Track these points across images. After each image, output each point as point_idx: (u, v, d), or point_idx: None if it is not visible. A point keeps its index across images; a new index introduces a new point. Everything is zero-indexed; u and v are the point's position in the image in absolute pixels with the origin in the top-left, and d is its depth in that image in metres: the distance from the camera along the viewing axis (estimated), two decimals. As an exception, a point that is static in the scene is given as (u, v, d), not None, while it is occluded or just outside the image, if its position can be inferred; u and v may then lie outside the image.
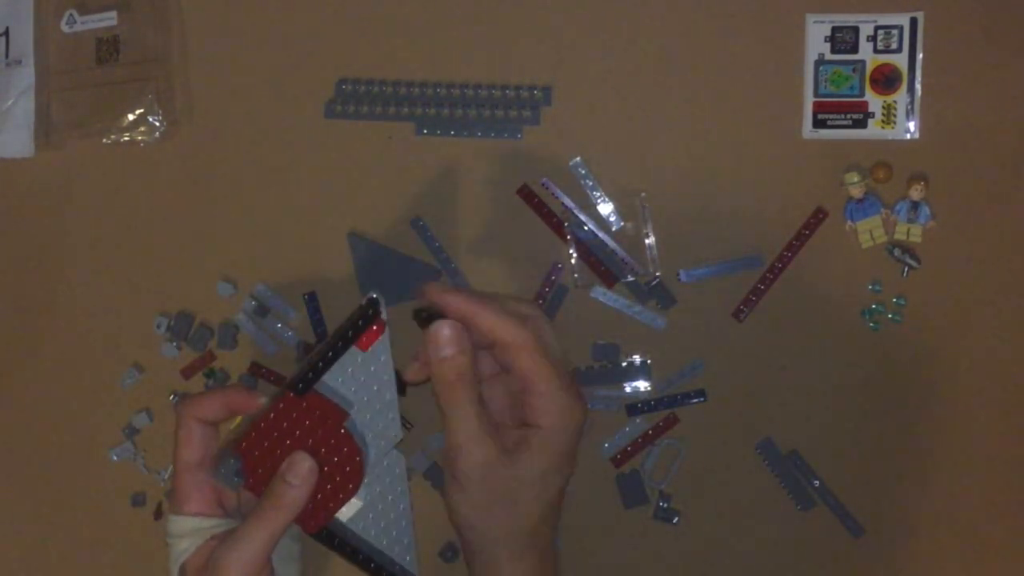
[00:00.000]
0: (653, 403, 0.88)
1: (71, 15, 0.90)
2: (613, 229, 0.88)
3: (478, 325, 0.67)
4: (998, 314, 0.86)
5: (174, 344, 0.91)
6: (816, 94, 0.87)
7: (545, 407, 0.67)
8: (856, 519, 0.88)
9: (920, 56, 0.86)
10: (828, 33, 0.86)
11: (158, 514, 0.92)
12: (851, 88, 0.86)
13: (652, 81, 0.88)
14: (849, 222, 0.86)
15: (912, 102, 0.86)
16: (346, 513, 0.71)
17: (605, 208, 0.88)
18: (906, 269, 0.86)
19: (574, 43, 0.88)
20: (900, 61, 0.86)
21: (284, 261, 0.90)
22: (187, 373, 0.91)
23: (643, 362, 0.88)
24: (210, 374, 0.91)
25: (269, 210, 0.90)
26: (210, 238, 0.91)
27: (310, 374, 0.70)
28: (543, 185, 0.88)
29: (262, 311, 0.90)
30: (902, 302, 0.87)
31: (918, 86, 0.86)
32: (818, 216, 0.86)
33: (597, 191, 0.88)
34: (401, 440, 0.74)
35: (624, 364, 0.88)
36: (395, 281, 0.89)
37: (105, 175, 0.91)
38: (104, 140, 0.90)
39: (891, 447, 0.87)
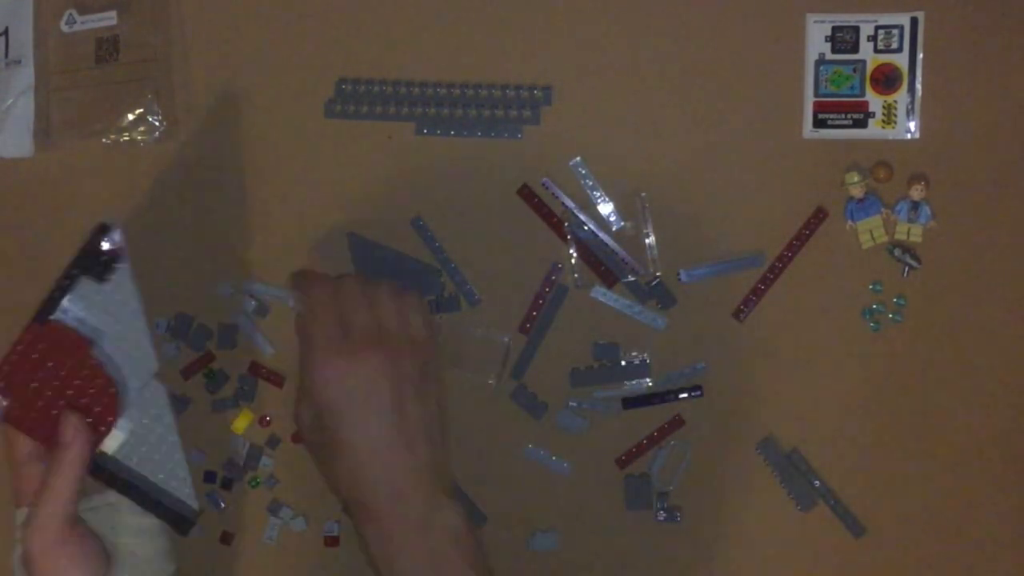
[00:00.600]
0: (649, 397, 0.88)
1: (71, 15, 0.90)
2: (613, 229, 0.88)
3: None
4: (998, 314, 0.86)
5: (173, 344, 0.91)
6: (816, 94, 0.87)
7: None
8: (856, 519, 0.87)
9: (920, 56, 0.86)
10: (828, 33, 0.86)
11: (158, 514, 0.92)
12: (851, 88, 0.86)
13: (652, 81, 0.88)
14: (849, 222, 0.86)
15: (912, 102, 0.86)
16: (111, 445, 0.74)
17: (605, 208, 0.88)
18: (906, 269, 0.86)
19: (574, 43, 0.88)
20: (900, 61, 0.86)
21: (284, 261, 0.90)
22: (186, 374, 0.91)
23: (643, 361, 0.88)
24: (209, 374, 0.91)
25: (269, 210, 0.90)
26: (210, 238, 0.91)
27: (48, 305, 0.72)
28: (543, 185, 0.88)
29: (262, 310, 0.90)
30: (902, 302, 0.87)
31: (918, 86, 0.86)
32: (818, 216, 0.86)
33: (597, 191, 0.88)
34: (156, 371, 0.75)
35: (624, 364, 0.88)
36: (395, 281, 0.89)
37: (105, 175, 0.91)
38: (104, 140, 0.89)
39: (891, 447, 0.87)
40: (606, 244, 0.88)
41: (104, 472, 0.74)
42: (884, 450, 0.87)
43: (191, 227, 0.91)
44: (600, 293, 0.88)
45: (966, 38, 0.85)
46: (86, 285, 0.74)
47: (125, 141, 0.89)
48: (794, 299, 0.87)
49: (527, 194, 0.88)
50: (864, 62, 0.86)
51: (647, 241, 0.88)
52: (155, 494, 0.75)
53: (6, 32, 0.91)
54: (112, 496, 0.76)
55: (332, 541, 0.90)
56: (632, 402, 0.88)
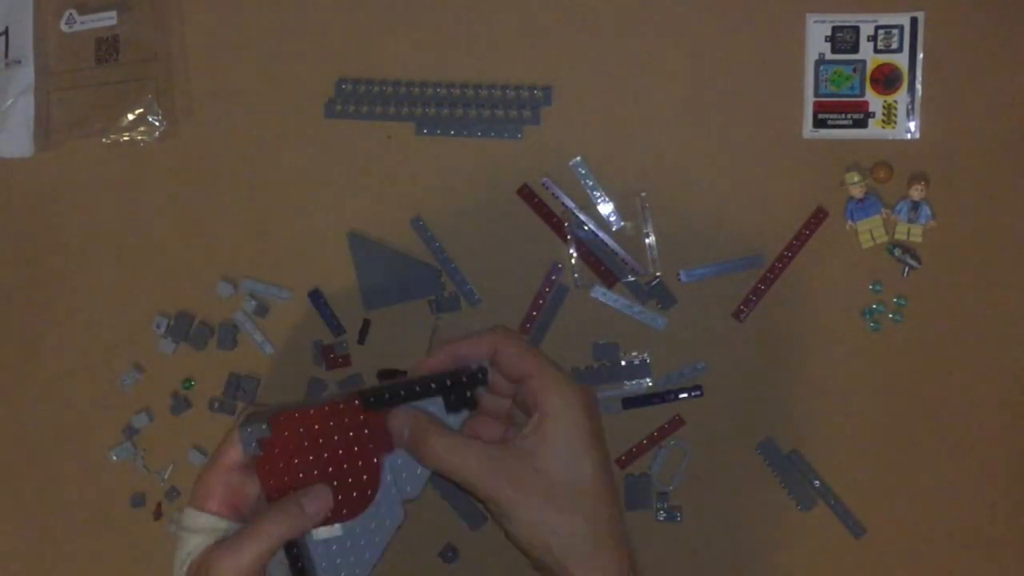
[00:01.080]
0: (648, 397, 0.88)
1: (71, 15, 0.90)
2: (613, 229, 0.88)
3: (466, 354, 0.73)
4: (998, 314, 0.86)
5: (170, 339, 0.90)
6: (816, 94, 0.87)
7: (545, 391, 0.69)
8: (857, 519, 0.87)
9: (920, 56, 0.86)
10: (828, 33, 0.86)
11: (158, 514, 0.92)
12: (851, 88, 0.86)
13: (652, 81, 0.88)
14: (849, 222, 0.86)
15: (912, 102, 0.86)
16: (322, 533, 0.70)
17: (605, 208, 0.88)
18: (906, 269, 0.86)
19: (574, 43, 0.88)
20: (900, 61, 0.86)
21: (284, 261, 0.90)
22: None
23: (643, 361, 0.88)
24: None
25: (269, 210, 0.90)
26: (210, 238, 0.91)
27: (388, 396, 0.69)
28: (543, 185, 0.88)
29: (261, 310, 0.90)
30: (902, 302, 0.87)
31: (918, 86, 0.86)
32: (818, 216, 0.86)
33: (597, 191, 0.88)
34: (413, 501, 0.73)
35: (624, 364, 0.88)
36: (395, 281, 0.89)
37: (105, 175, 0.91)
38: (104, 140, 0.89)
39: (891, 447, 0.87)
40: (606, 244, 0.88)
41: (292, 551, 0.70)
42: (884, 450, 0.87)
43: (191, 227, 0.91)
44: (600, 293, 0.88)
45: (966, 38, 0.85)
46: (434, 405, 0.72)
47: (125, 141, 0.89)
48: (794, 299, 0.87)
49: (527, 194, 0.88)
50: (864, 62, 0.86)
51: (647, 241, 0.88)
52: None
53: (6, 32, 0.91)
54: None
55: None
56: (632, 402, 0.88)
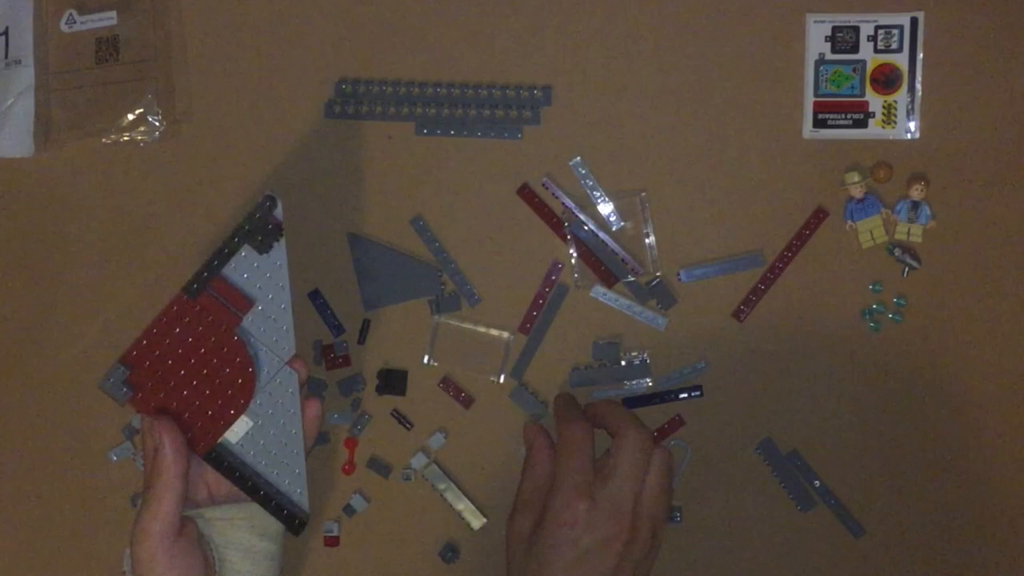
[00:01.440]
0: (649, 397, 0.88)
1: (71, 15, 0.90)
2: (613, 229, 0.88)
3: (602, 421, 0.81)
4: (998, 314, 0.86)
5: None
6: (816, 94, 0.87)
7: (622, 434, 0.77)
8: (856, 519, 0.87)
9: (920, 56, 0.86)
10: (828, 33, 0.86)
11: (158, 514, 0.92)
12: (851, 88, 0.86)
13: (652, 81, 0.88)
14: (849, 222, 0.86)
15: (912, 102, 0.86)
16: (236, 433, 0.71)
17: (605, 208, 0.88)
18: (906, 269, 0.86)
19: (574, 43, 0.88)
20: (900, 61, 0.86)
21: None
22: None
23: (643, 361, 0.88)
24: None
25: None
26: (210, 238, 0.91)
27: (204, 273, 0.69)
28: (543, 185, 0.88)
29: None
30: (902, 302, 0.87)
31: (918, 86, 0.86)
32: (818, 216, 0.86)
33: (597, 191, 0.88)
34: (295, 356, 0.72)
35: (624, 364, 0.88)
36: (395, 281, 0.89)
37: (105, 175, 0.91)
38: (104, 140, 0.89)
39: (891, 447, 0.87)
40: (606, 244, 0.88)
41: (222, 464, 0.72)
42: (884, 450, 0.87)
43: (191, 227, 0.91)
44: (600, 293, 0.88)
45: (966, 38, 0.85)
46: (248, 254, 0.71)
47: (125, 141, 0.89)
48: (794, 299, 0.87)
49: (527, 194, 0.88)
50: (864, 62, 0.86)
51: (647, 241, 0.88)
52: (268, 489, 0.73)
53: (6, 32, 0.91)
54: (229, 511, 0.75)
55: (332, 541, 0.90)
56: (632, 402, 0.88)
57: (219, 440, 0.70)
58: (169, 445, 0.72)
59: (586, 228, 0.88)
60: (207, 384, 0.69)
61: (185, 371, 0.69)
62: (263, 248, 0.72)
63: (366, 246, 0.89)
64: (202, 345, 0.69)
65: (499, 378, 0.89)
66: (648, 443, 0.77)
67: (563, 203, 0.88)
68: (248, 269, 0.71)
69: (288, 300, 0.72)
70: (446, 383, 0.89)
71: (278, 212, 0.72)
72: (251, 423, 0.70)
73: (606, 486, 0.74)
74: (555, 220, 0.88)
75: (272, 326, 0.71)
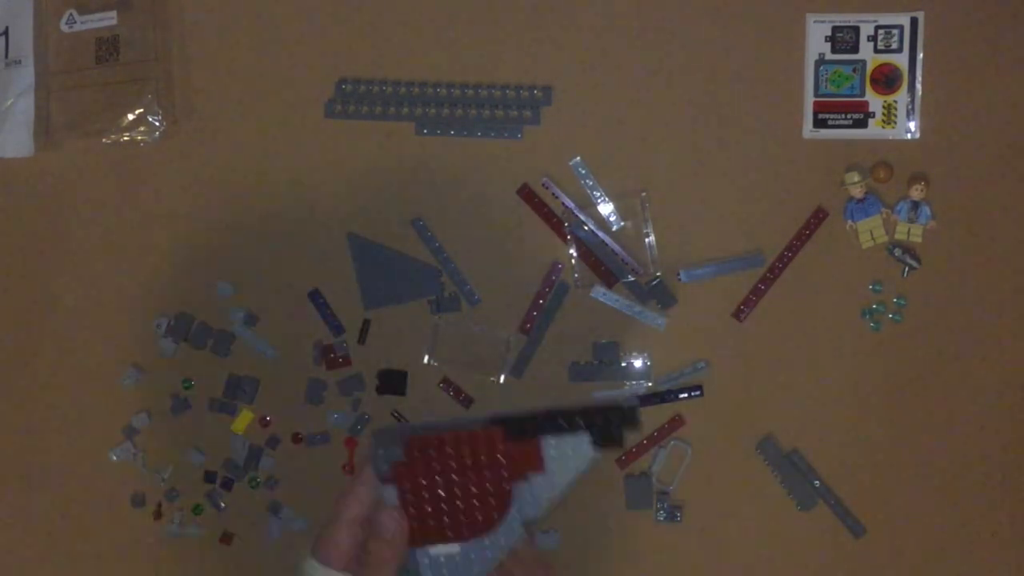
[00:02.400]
0: (649, 397, 0.88)
1: (71, 15, 0.90)
2: (613, 229, 0.88)
3: None
4: (998, 314, 0.86)
5: (170, 339, 0.90)
6: (816, 94, 0.87)
7: None
8: (856, 519, 0.87)
9: (920, 56, 0.86)
10: (828, 33, 0.86)
11: (157, 514, 0.91)
12: (851, 88, 0.86)
13: (652, 81, 0.88)
14: (849, 222, 0.86)
15: (912, 102, 0.86)
16: (440, 551, 0.69)
17: (605, 208, 0.88)
18: (906, 269, 0.86)
19: (574, 43, 0.88)
20: (900, 61, 0.86)
21: (284, 261, 0.90)
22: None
23: (643, 362, 0.88)
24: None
25: (269, 210, 0.90)
26: (210, 238, 0.91)
27: (533, 427, 0.69)
28: (543, 185, 0.88)
29: (251, 320, 0.90)
30: (902, 302, 0.87)
31: (918, 86, 0.86)
32: (818, 216, 0.86)
33: (597, 191, 0.88)
34: (531, 523, 0.72)
35: (624, 364, 0.88)
36: (395, 281, 0.89)
37: (105, 175, 0.91)
38: (104, 140, 0.89)
39: (891, 447, 0.87)
40: (606, 244, 0.88)
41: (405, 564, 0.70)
42: (884, 450, 0.87)
43: (191, 226, 0.91)
44: (600, 293, 0.88)
45: (966, 38, 0.86)
46: (581, 439, 0.70)
47: (125, 141, 0.89)
48: (794, 299, 0.87)
49: (527, 194, 0.88)
50: (864, 62, 0.86)
51: (647, 240, 0.88)
52: None
53: (6, 32, 0.91)
54: None
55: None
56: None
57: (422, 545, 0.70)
58: (401, 536, 0.68)
59: (586, 228, 0.88)
60: (460, 502, 0.69)
61: (447, 483, 0.69)
62: (600, 444, 0.71)
63: (366, 247, 0.89)
64: (478, 474, 0.69)
65: (499, 378, 0.89)
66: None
67: (563, 203, 0.88)
68: (566, 447, 0.71)
69: (563, 491, 0.71)
70: (446, 384, 0.89)
71: (636, 421, 0.72)
72: (456, 550, 0.70)
73: None
74: (555, 220, 0.88)
75: (538, 493, 0.71)
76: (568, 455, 0.70)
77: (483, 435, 0.69)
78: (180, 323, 0.90)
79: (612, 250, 0.88)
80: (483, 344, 0.89)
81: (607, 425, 0.70)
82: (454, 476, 0.69)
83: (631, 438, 0.87)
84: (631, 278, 0.88)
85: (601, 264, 0.88)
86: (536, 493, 0.71)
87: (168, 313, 0.91)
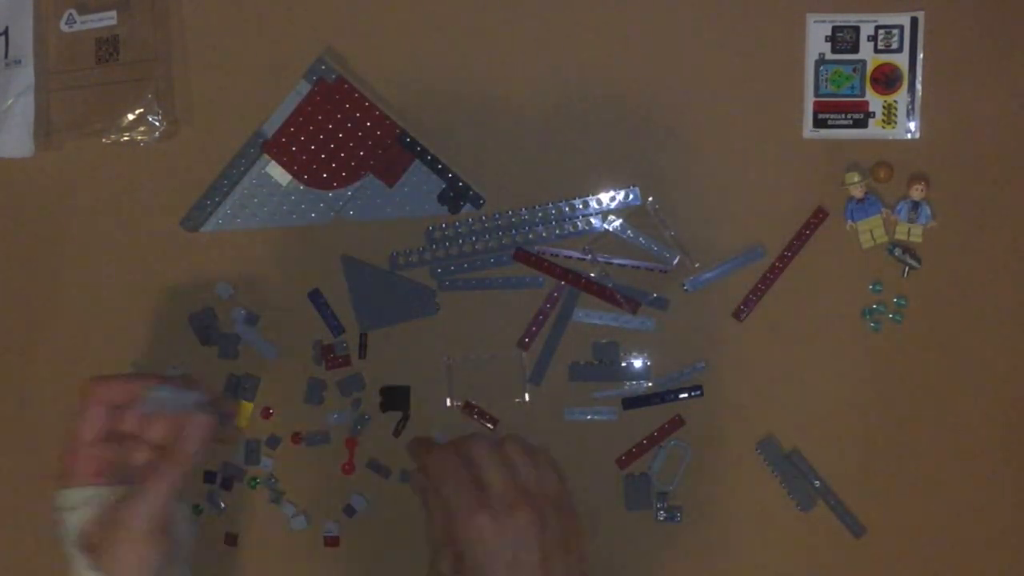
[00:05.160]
0: (649, 397, 0.88)
1: (71, 15, 0.90)
2: (610, 228, 0.88)
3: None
4: (998, 314, 0.86)
5: (171, 339, 0.90)
6: (816, 94, 0.87)
7: (467, 448, 0.73)
8: (856, 519, 0.87)
9: (921, 56, 0.86)
10: (828, 33, 0.86)
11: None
12: (852, 88, 0.86)
13: (652, 81, 0.88)
14: (849, 222, 0.86)
15: (913, 102, 0.86)
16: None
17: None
18: (906, 269, 0.86)
19: (573, 43, 0.88)
20: (901, 61, 0.86)
21: (285, 260, 0.90)
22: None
23: (643, 362, 0.88)
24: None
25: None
26: (210, 239, 0.90)
27: None
28: (538, 253, 0.88)
29: (252, 319, 0.90)
30: (902, 302, 0.87)
31: (919, 86, 0.86)
32: (818, 216, 0.86)
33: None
34: None
35: (624, 364, 0.88)
36: (390, 302, 0.89)
37: (105, 175, 0.91)
38: (104, 140, 0.89)
39: (891, 447, 0.87)
40: (623, 266, 0.88)
41: None
42: (884, 450, 0.87)
43: (192, 226, 0.91)
44: (583, 314, 0.88)
45: (966, 38, 0.85)
46: None
47: (125, 141, 0.89)
48: (794, 299, 0.87)
49: (523, 256, 0.88)
50: (864, 62, 0.86)
51: (669, 234, 0.87)
52: None
53: (6, 32, 0.91)
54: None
55: (332, 541, 0.90)
56: (632, 402, 0.88)
57: None
58: (200, 431, 0.74)
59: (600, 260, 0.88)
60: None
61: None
62: None
63: (360, 269, 0.89)
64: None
65: (524, 396, 0.89)
66: (489, 440, 0.74)
67: (562, 255, 0.88)
68: None
69: None
70: (469, 408, 0.89)
71: None
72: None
73: (490, 491, 0.71)
74: (558, 270, 0.88)
75: None
76: None
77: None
78: (181, 323, 0.90)
79: (633, 268, 0.88)
80: (495, 369, 0.89)
81: None
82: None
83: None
84: (654, 295, 0.88)
85: (616, 294, 0.87)
86: None
87: (168, 312, 0.91)
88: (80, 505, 0.72)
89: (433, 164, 0.87)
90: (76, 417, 0.75)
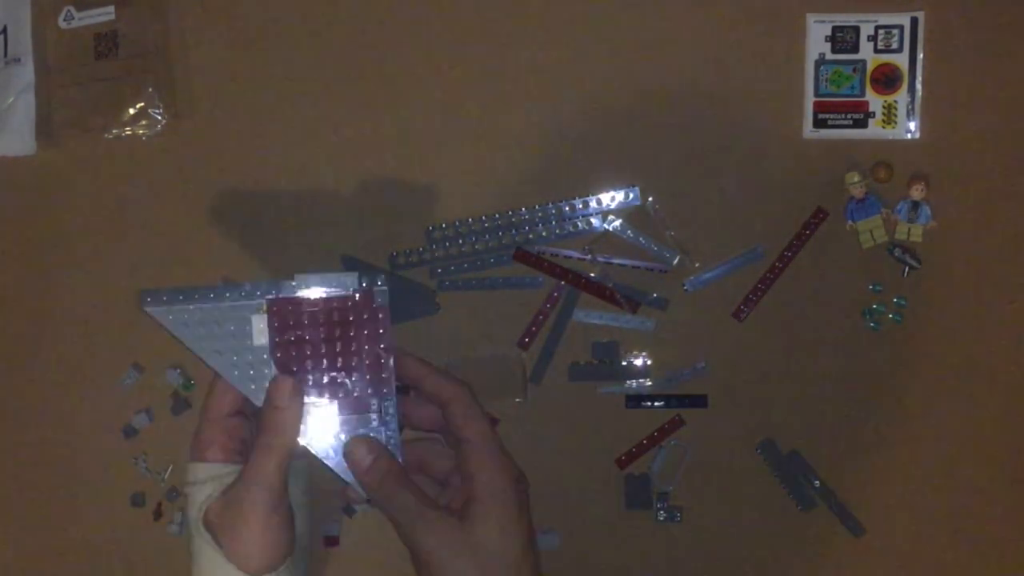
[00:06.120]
0: (652, 402, 0.88)
1: (69, 11, 0.90)
2: (609, 228, 0.88)
3: (424, 385, 0.70)
4: (998, 314, 0.87)
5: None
6: (817, 94, 0.87)
7: (480, 459, 0.68)
8: (856, 519, 0.88)
9: (921, 56, 0.86)
10: (829, 33, 0.86)
11: (157, 514, 0.91)
12: (852, 88, 0.87)
13: (652, 81, 0.88)
14: (850, 222, 0.86)
15: (913, 102, 0.86)
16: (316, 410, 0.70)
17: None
18: (906, 269, 0.86)
19: (575, 43, 0.88)
20: (901, 61, 0.86)
21: (287, 257, 0.90)
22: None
23: (643, 361, 0.88)
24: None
25: (272, 204, 0.90)
26: (212, 233, 0.90)
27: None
28: (538, 253, 0.88)
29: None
30: (902, 302, 0.87)
31: (919, 86, 0.86)
32: (818, 216, 0.86)
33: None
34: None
35: (624, 363, 0.88)
36: (391, 302, 0.88)
37: (107, 171, 0.91)
38: (105, 135, 0.89)
39: (891, 447, 0.87)
40: (624, 265, 0.87)
41: None
42: (884, 450, 0.87)
43: (193, 222, 0.90)
44: (583, 314, 0.88)
45: (966, 38, 0.86)
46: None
47: (127, 136, 0.89)
48: (794, 299, 0.87)
49: (523, 255, 0.88)
50: (864, 62, 0.87)
51: (669, 234, 0.87)
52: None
53: (4, 30, 0.90)
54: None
55: (332, 541, 0.90)
56: (634, 401, 0.88)
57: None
58: (293, 403, 0.69)
59: (598, 261, 0.88)
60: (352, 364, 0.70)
61: (332, 344, 0.70)
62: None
63: (361, 268, 0.88)
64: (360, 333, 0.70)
65: (525, 397, 0.89)
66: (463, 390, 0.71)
67: (563, 255, 0.88)
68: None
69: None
70: None
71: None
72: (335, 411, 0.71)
73: (484, 449, 0.69)
74: (558, 270, 0.88)
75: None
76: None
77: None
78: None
79: (632, 268, 0.87)
80: (496, 369, 0.89)
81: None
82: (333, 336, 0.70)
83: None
84: (654, 295, 0.88)
85: (616, 293, 0.87)
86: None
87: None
88: (208, 480, 0.70)
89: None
90: (207, 393, 0.71)
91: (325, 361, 0.70)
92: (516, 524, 0.67)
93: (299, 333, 0.69)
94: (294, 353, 0.69)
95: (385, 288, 0.70)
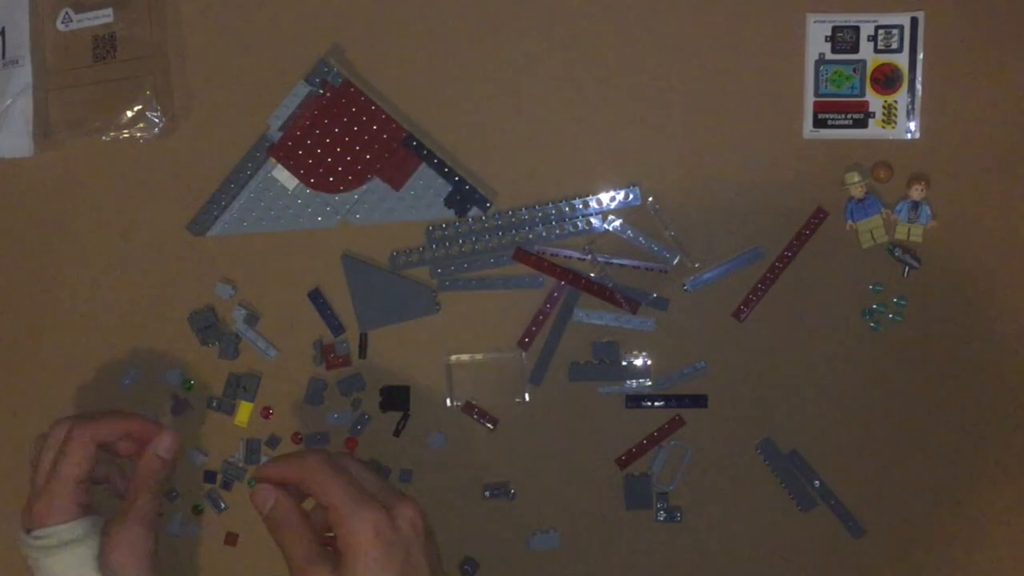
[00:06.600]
0: (652, 402, 0.88)
1: (67, 13, 0.90)
2: (608, 227, 0.88)
3: (285, 478, 0.74)
4: (998, 314, 0.86)
5: (171, 339, 0.90)
6: (816, 94, 0.87)
7: (337, 518, 0.70)
8: (856, 519, 0.88)
9: (921, 56, 0.86)
10: (829, 33, 0.86)
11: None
12: (852, 88, 0.86)
13: (652, 81, 0.88)
14: (850, 222, 0.86)
15: (913, 102, 0.86)
16: None
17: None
18: (907, 269, 0.86)
19: (575, 43, 0.88)
20: (901, 61, 0.86)
21: (285, 259, 0.90)
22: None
23: (643, 361, 0.88)
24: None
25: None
26: (211, 237, 0.90)
27: None
28: (538, 253, 0.88)
29: (252, 320, 0.90)
30: (903, 302, 0.87)
31: (919, 86, 0.86)
32: (818, 216, 0.86)
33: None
34: None
35: (624, 364, 0.88)
36: (390, 302, 0.89)
37: (105, 173, 0.91)
38: (103, 138, 0.89)
39: (891, 447, 0.87)
40: (623, 266, 0.87)
41: None
42: (884, 450, 0.87)
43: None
44: (583, 314, 0.88)
45: (966, 38, 0.86)
46: None
47: (125, 138, 0.89)
48: (794, 299, 0.87)
49: (522, 256, 0.88)
50: (864, 62, 0.86)
51: (669, 234, 0.87)
52: None
53: (2, 32, 0.90)
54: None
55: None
56: (634, 400, 0.88)
57: None
58: (169, 444, 0.82)
59: (598, 261, 0.87)
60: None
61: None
62: None
63: (360, 268, 0.89)
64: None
65: (524, 397, 0.89)
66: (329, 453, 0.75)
67: (566, 255, 0.88)
68: None
69: None
70: (469, 408, 0.89)
71: None
72: None
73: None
74: (559, 270, 0.88)
75: None
76: None
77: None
78: (180, 323, 0.90)
79: (632, 268, 0.87)
80: (496, 370, 0.89)
81: None
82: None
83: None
84: (654, 295, 0.88)
85: (616, 294, 0.87)
86: None
87: (168, 313, 0.90)
88: (58, 546, 0.76)
89: (440, 167, 0.86)
90: (59, 457, 0.79)
91: None
92: (384, 570, 0.69)
93: None
94: None
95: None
